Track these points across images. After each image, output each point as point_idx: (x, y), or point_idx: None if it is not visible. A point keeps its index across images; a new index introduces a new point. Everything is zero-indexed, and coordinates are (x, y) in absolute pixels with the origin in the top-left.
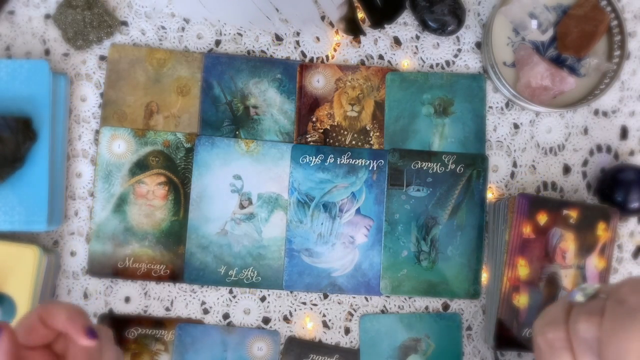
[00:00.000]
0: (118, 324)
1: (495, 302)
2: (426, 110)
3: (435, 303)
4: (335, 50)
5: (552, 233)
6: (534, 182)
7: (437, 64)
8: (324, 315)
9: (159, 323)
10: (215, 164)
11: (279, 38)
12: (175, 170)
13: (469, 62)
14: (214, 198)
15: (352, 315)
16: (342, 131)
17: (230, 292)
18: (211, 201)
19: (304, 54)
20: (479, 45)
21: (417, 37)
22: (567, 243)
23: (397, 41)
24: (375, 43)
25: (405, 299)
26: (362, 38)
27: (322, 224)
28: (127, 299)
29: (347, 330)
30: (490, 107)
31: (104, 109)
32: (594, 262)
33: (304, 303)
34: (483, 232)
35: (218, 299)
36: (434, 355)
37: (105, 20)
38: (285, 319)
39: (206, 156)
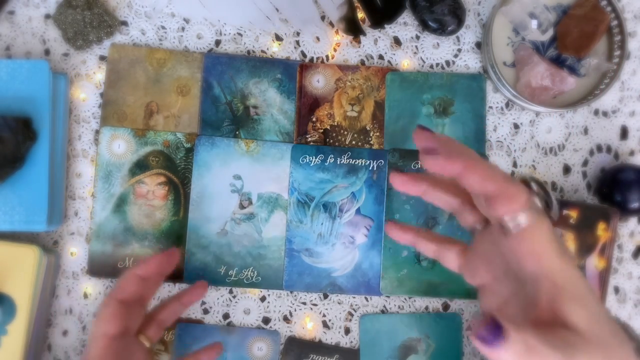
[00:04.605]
0: None
1: None
2: (426, 110)
3: (435, 303)
4: (335, 50)
5: None
6: None
7: (437, 64)
8: (324, 315)
9: None
10: (215, 164)
11: (279, 38)
12: (175, 170)
13: (469, 62)
14: (214, 198)
15: (352, 315)
16: (342, 131)
17: (230, 292)
18: (211, 201)
19: (304, 54)
20: (479, 45)
21: (417, 37)
22: (567, 243)
23: (397, 41)
24: (375, 43)
25: (405, 299)
26: (362, 38)
27: (322, 224)
28: None
29: (347, 330)
30: (490, 107)
31: (104, 109)
32: (594, 262)
33: (304, 303)
34: None
35: (218, 299)
36: (434, 356)
37: (105, 20)
38: (285, 319)
39: (206, 156)
